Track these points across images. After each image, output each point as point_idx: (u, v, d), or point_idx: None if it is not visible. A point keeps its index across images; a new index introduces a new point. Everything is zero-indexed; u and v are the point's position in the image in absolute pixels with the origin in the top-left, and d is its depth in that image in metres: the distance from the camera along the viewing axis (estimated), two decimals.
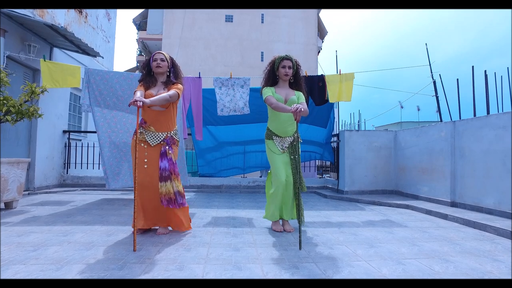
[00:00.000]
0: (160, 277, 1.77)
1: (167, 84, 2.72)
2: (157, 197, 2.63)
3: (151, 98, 2.48)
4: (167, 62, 2.75)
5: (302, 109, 2.39)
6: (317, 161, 9.83)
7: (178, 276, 1.80)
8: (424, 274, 1.90)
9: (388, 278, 1.82)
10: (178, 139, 2.84)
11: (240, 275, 1.83)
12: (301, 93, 2.89)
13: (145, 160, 2.61)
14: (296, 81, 2.91)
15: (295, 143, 2.82)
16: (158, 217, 2.73)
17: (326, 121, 5.56)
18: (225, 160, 5.96)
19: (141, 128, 2.67)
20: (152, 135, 2.67)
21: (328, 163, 7.92)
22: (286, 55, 2.85)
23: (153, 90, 2.67)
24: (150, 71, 2.78)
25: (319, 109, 5.15)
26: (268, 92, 2.78)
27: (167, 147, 2.67)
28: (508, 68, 4.43)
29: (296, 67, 2.86)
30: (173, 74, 2.80)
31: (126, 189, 5.57)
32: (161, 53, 2.75)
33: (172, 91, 2.61)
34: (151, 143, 2.65)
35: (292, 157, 2.79)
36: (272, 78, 2.89)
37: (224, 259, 2.12)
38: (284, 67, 2.80)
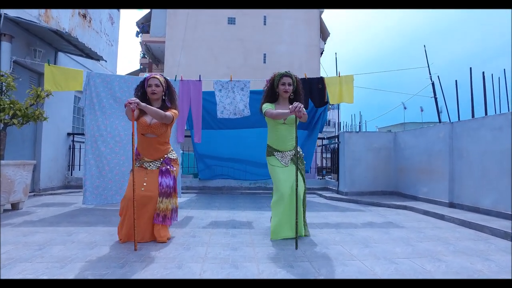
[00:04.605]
0: (159, 275, 1.85)
1: (162, 110, 2.64)
2: (151, 213, 2.54)
3: (147, 105, 2.42)
4: (162, 86, 2.68)
5: (301, 106, 2.38)
6: (317, 163, 9.84)
7: (177, 274, 1.87)
8: (415, 273, 1.95)
9: (381, 278, 1.88)
10: (175, 157, 2.81)
11: (236, 273, 1.89)
12: None
13: (145, 179, 2.58)
14: (296, 97, 2.88)
15: (298, 155, 2.78)
16: (144, 233, 2.57)
17: (315, 124, 5.24)
18: (225, 168, 5.82)
19: (137, 161, 2.66)
20: (149, 163, 2.66)
21: (329, 164, 7.97)
22: (286, 71, 2.85)
23: (147, 117, 2.62)
24: (144, 93, 2.68)
25: (314, 112, 5.11)
26: (267, 106, 2.79)
27: (168, 167, 2.66)
28: (504, 70, 4.45)
29: (296, 83, 2.85)
30: (168, 97, 2.76)
31: None
32: (156, 77, 2.67)
33: (168, 113, 2.59)
34: (149, 168, 2.65)
35: (298, 169, 2.66)
36: (271, 95, 2.88)
37: (221, 258, 2.18)
38: (284, 84, 2.79)
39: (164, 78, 2.77)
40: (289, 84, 2.80)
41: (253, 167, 5.66)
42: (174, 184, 2.69)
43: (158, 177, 2.61)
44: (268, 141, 2.93)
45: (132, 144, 2.43)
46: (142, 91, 2.70)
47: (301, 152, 2.89)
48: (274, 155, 2.84)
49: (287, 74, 2.82)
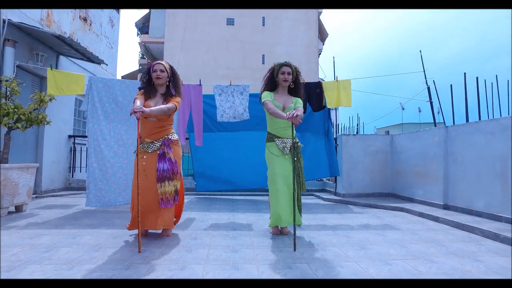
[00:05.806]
0: (163, 276, 1.93)
1: (166, 96, 2.77)
2: (155, 200, 2.67)
3: (150, 108, 2.53)
4: (167, 72, 2.79)
5: (298, 114, 2.48)
6: None
7: (180, 275, 1.95)
8: (408, 274, 2.04)
9: (379, 278, 1.97)
10: (176, 138, 2.87)
11: (237, 275, 1.98)
12: (298, 99, 2.97)
13: (144, 164, 2.66)
14: (296, 87, 2.98)
15: (296, 145, 2.87)
16: (152, 221, 2.71)
17: (325, 128, 5.28)
18: (224, 173, 5.66)
19: (140, 144, 2.74)
20: (149, 145, 2.74)
21: None
22: (285, 61, 2.95)
23: (152, 101, 2.72)
24: (150, 79, 2.83)
25: (316, 116, 5.18)
26: (267, 96, 2.87)
27: (165, 149, 2.73)
28: (496, 76, 4.56)
29: (295, 73, 2.94)
30: (172, 84, 2.85)
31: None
32: (161, 63, 2.79)
33: (170, 104, 2.67)
34: (149, 151, 2.73)
35: (294, 160, 2.74)
36: (271, 84, 2.98)
37: (223, 259, 2.27)
38: (283, 73, 2.89)
39: (169, 65, 2.86)
40: (289, 73, 2.90)
41: (252, 175, 5.48)
42: (172, 166, 2.73)
43: (156, 162, 2.69)
44: (268, 128, 3.03)
45: (137, 140, 2.53)
46: (147, 77, 2.82)
47: (299, 143, 2.97)
48: (275, 141, 2.92)
49: (287, 64, 2.92)
